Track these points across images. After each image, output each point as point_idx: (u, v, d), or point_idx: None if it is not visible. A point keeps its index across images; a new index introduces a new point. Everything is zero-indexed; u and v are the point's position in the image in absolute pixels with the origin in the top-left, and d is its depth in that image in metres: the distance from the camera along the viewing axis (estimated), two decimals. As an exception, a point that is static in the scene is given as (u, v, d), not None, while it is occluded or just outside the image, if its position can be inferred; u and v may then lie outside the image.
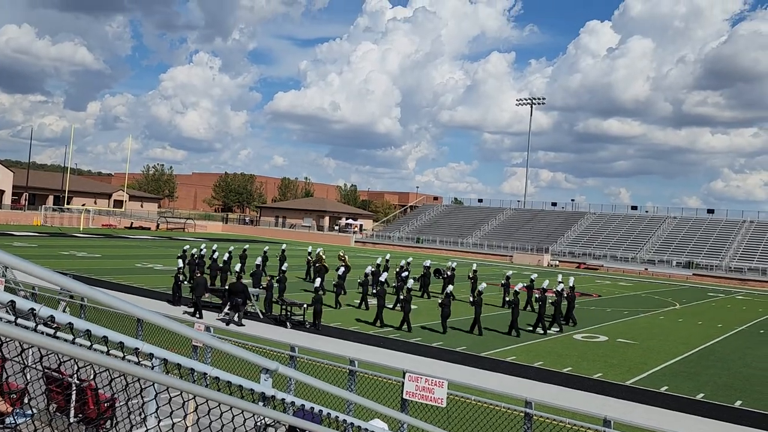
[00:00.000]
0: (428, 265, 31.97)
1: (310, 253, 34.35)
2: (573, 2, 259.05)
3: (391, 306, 24.29)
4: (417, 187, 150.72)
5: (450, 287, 22.81)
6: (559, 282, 25.81)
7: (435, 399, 8.68)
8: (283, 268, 26.46)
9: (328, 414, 3.57)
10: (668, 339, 22.65)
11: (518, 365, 16.77)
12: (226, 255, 30.18)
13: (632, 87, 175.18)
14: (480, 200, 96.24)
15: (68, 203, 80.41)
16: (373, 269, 28.31)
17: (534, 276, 29.92)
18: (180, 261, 24.19)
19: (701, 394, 14.95)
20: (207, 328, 11.46)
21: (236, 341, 11.02)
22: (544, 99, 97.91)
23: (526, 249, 71.43)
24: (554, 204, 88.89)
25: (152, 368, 2.99)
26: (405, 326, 20.79)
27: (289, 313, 20.65)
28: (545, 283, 25.08)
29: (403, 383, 9.04)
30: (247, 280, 23.90)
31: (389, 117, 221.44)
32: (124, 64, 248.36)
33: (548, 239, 74.83)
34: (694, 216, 77.01)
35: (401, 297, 22.61)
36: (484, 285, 24.63)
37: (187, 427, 3.18)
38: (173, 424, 2.94)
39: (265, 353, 10.42)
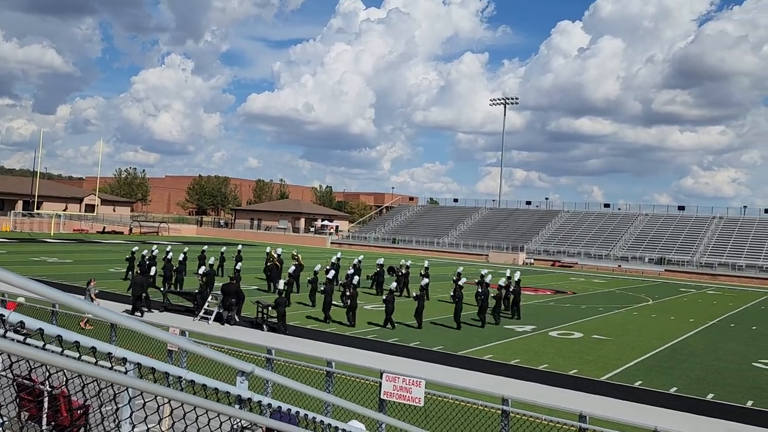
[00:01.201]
0: (381, 263, 32.49)
1: (268, 254, 34.33)
2: (544, 3, 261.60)
3: (341, 303, 24.46)
4: (392, 188, 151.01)
5: (426, 280, 24.75)
6: (508, 276, 27.28)
7: (413, 398, 8.70)
8: (237, 267, 26.69)
9: (305, 415, 3.55)
10: (642, 334, 22.99)
11: (495, 363, 16.88)
12: (181, 256, 29.98)
13: (603, 86, 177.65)
14: (455, 200, 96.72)
15: (38, 208, 78.97)
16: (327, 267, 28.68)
17: (483, 272, 30.62)
18: (128, 263, 24.25)
19: (674, 388, 15.20)
20: (182, 332, 11.34)
21: (212, 345, 10.93)
22: (517, 99, 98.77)
23: (502, 248, 71.97)
24: (528, 203, 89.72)
25: (126, 373, 2.96)
26: (389, 324, 21.12)
27: (265, 316, 20.54)
28: (488, 278, 25.81)
29: (380, 383, 9.04)
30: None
31: (363, 118, 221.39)
32: (94, 67, 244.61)
33: (523, 238, 75.48)
34: (665, 213, 78.30)
35: (347, 294, 22.97)
36: (426, 280, 25.59)
37: (162, 431, 3.15)
38: (148, 429, 2.91)
39: (241, 356, 10.35)
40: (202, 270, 23.34)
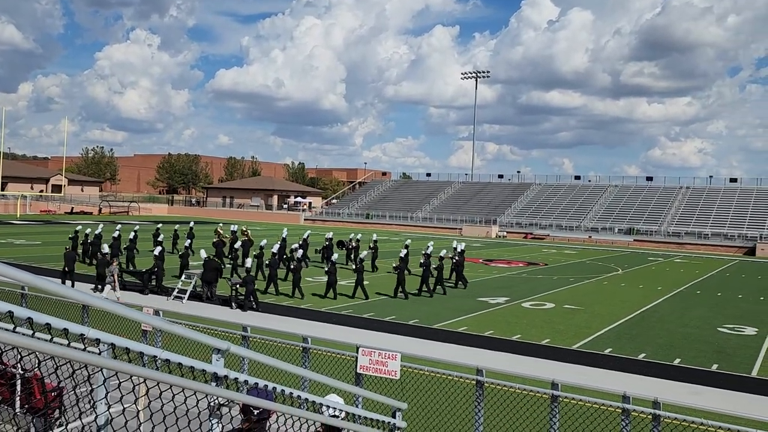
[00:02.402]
0: (330, 236, 32.84)
1: (234, 232, 34.61)
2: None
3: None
4: (365, 163, 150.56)
5: (405, 251, 26.09)
6: (454, 247, 27.95)
7: (389, 372, 8.79)
8: (186, 244, 27.41)
9: (282, 391, 3.57)
10: (612, 303, 23.47)
11: (470, 335, 17.10)
12: (131, 234, 30.12)
13: (572, 59, 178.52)
14: (428, 174, 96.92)
15: (2, 189, 77.13)
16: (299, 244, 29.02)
17: (408, 242, 31.65)
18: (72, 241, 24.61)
19: (643, 354, 15.58)
20: (156, 312, 11.26)
21: (187, 323, 10.88)
22: (488, 72, 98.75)
23: (475, 221, 72.49)
24: (501, 176, 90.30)
25: (99, 354, 2.93)
26: (331, 293, 21.92)
27: (235, 293, 20.49)
28: (429, 249, 26.43)
29: (356, 358, 9.11)
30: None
31: (334, 93, 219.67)
32: (55, 43, 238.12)
33: (496, 211, 76.08)
34: (633, 184, 79.50)
35: (291, 267, 23.50)
36: (365, 253, 26.25)
37: (139, 411, 3.14)
38: (124, 408, 2.90)
39: (216, 334, 10.32)
40: (157, 250, 23.30)
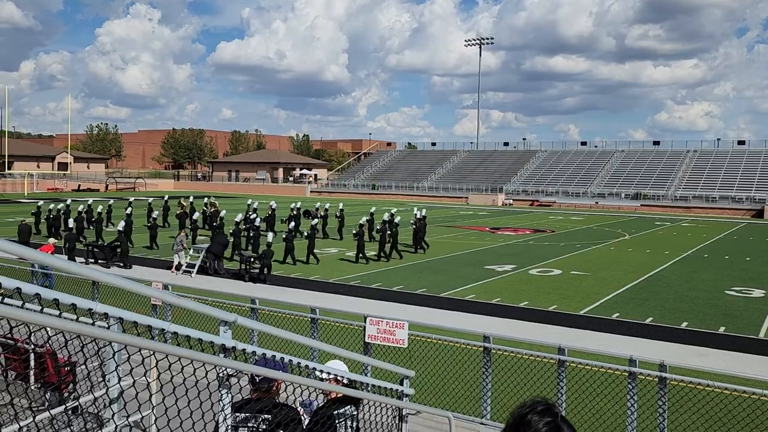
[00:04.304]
0: (298, 206, 33.27)
1: (206, 204, 35.08)
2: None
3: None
4: (370, 134, 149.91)
5: (396, 217, 26.45)
6: (416, 213, 28.51)
7: (396, 340, 8.87)
8: (154, 216, 28.80)
9: (290, 361, 3.62)
10: (619, 268, 23.51)
11: (477, 303, 17.21)
12: (99, 207, 30.75)
13: (576, 23, 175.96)
14: (433, 144, 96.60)
15: (9, 168, 77.36)
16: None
17: (373, 209, 32.71)
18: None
19: (650, 318, 15.66)
20: (165, 287, 11.36)
21: (195, 297, 10.99)
22: (492, 39, 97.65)
23: (481, 190, 72.34)
24: (506, 144, 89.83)
25: (108, 328, 2.97)
26: (312, 258, 23.35)
27: (248, 267, 20.64)
28: (385, 216, 27.11)
29: (364, 327, 9.19)
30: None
31: (337, 64, 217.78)
32: (56, 20, 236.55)
33: (502, 179, 75.86)
34: (640, 149, 78.96)
35: (283, 238, 24.15)
36: (315, 221, 26.91)
37: (149, 382, 3.19)
38: (134, 381, 2.95)
39: (224, 307, 10.42)
40: (121, 225, 23.57)
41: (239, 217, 26.07)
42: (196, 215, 29.72)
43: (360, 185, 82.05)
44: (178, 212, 32.20)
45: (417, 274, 21.59)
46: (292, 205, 33.50)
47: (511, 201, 67.91)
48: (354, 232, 24.93)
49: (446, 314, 15.52)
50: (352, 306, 15.09)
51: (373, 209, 32.63)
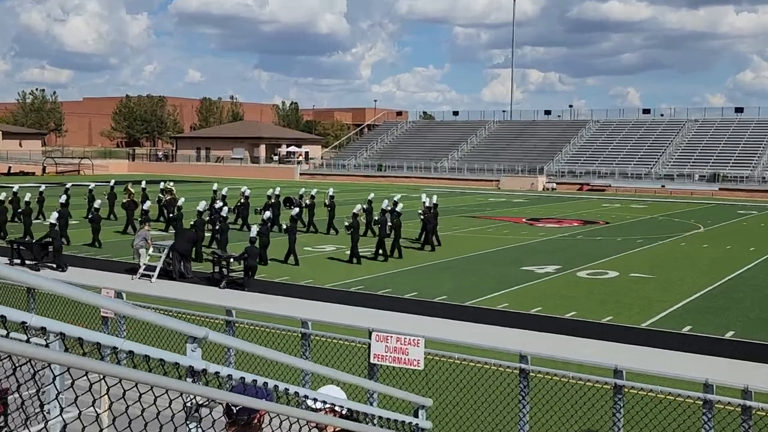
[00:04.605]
0: (277, 193, 33.60)
1: (162, 191, 35.38)
2: None
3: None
4: (375, 101, 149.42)
5: (399, 205, 26.81)
6: (423, 201, 28.55)
7: (410, 361, 8.90)
8: (96, 206, 28.54)
9: (275, 386, 3.63)
10: (691, 269, 23.47)
11: (511, 313, 17.24)
12: (27, 196, 30.67)
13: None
14: (455, 113, 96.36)
15: None
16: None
17: (371, 196, 32.63)
18: None
19: (731, 332, 15.62)
20: (118, 294, 11.42)
21: (156, 307, 11.04)
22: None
23: (516, 171, 72.26)
24: (548, 112, 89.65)
25: (46, 346, 2.99)
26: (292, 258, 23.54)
27: (224, 270, 20.72)
28: (384, 204, 27.23)
29: (369, 345, 9.22)
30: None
31: (332, 12, 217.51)
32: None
33: (542, 157, 75.74)
34: (718, 118, 78.59)
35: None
36: (296, 210, 26.94)
37: (98, 414, 3.21)
38: (80, 413, 2.97)
39: (194, 320, 10.48)
40: (54, 217, 23.77)
41: (202, 205, 26.07)
42: (147, 204, 29.73)
43: (363, 166, 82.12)
44: (124, 200, 32.44)
45: (435, 278, 21.62)
46: (270, 192, 33.69)
47: (554, 185, 67.83)
48: (346, 224, 24.99)
49: (472, 328, 15.53)
50: (353, 318, 15.13)
51: (371, 195, 32.71)
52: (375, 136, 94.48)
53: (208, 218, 26.51)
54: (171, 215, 28.36)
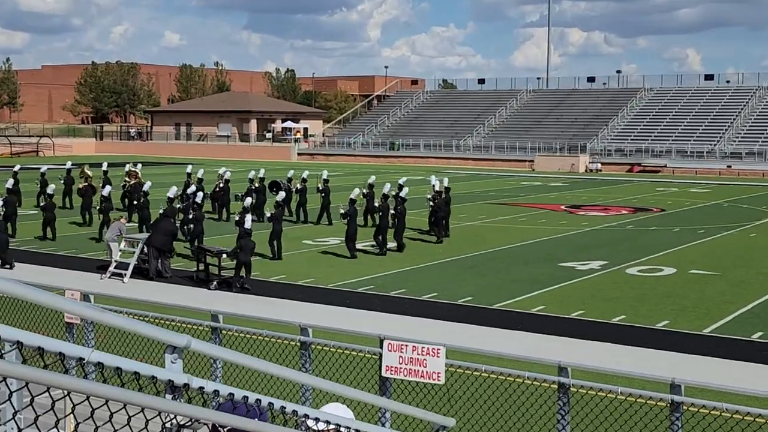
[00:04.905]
0: (261, 176, 33.89)
1: (128, 174, 35.56)
2: None
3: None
4: (385, 67, 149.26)
5: (404, 189, 27.23)
6: (432, 185, 28.91)
7: (429, 374, 8.91)
8: (49, 192, 29.77)
9: (270, 404, 3.64)
10: (763, 265, 23.40)
11: (548, 317, 17.27)
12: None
13: None
14: (481, 81, 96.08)
15: None
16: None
17: (372, 179, 32.76)
18: None
19: (810, 340, 15.59)
20: (84, 297, 11.48)
21: (129, 312, 11.10)
22: None
23: (553, 149, 72.03)
24: (591, 79, 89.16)
25: (1, 357, 3.01)
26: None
27: (205, 264, 20.81)
28: (386, 188, 27.42)
29: (380, 355, 9.23)
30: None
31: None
32: None
33: (584, 133, 75.49)
34: (796, 84, 78.05)
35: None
36: (282, 195, 27.56)
37: (63, 437, 3.24)
38: (41, 434, 2.99)
39: (174, 326, 10.53)
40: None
41: (173, 191, 25.99)
42: (107, 189, 29.35)
43: (372, 144, 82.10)
44: (81, 186, 32.64)
45: (458, 276, 21.65)
46: (251, 174, 33.74)
47: (599, 165, 67.61)
48: (342, 211, 24.98)
49: (501, 335, 15.57)
50: (361, 324, 15.15)
51: (372, 179, 32.62)
52: (386, 109, 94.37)
53: (179, 206, 26.42)
54: (135, 202, 28.39)
